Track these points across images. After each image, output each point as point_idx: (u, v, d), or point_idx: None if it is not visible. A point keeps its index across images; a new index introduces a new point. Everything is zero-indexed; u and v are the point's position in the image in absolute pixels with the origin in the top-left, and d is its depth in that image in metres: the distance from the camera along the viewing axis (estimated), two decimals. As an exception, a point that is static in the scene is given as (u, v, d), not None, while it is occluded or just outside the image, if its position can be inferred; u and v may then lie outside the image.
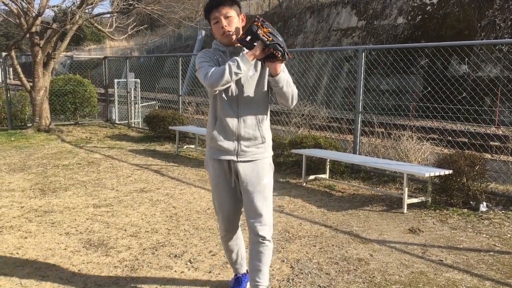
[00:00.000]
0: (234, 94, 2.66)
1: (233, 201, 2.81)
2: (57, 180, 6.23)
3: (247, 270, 3.05)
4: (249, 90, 2.67)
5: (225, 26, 2.59)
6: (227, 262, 3.56)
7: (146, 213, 4.82)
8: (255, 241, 2.73)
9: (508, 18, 14.63)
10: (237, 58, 2.51)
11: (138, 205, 5.11)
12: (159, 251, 3.81)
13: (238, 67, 2.49)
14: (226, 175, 2.77)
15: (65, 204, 5.13)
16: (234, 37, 2.62)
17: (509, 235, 4.29)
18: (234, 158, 2.70)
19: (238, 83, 2.65)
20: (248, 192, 2.71)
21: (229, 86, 2.62)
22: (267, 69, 2.63)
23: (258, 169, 2.73)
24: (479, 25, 15.19)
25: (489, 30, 14.92)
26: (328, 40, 21.10)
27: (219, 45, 2.70)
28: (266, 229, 2.71)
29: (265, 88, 2.72)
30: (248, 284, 2.96)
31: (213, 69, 2.54)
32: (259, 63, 2.66)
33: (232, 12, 2.60)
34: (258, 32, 2.47)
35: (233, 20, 2.61)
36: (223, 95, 2.65)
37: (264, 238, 2.71)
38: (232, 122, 2.66)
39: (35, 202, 5.17)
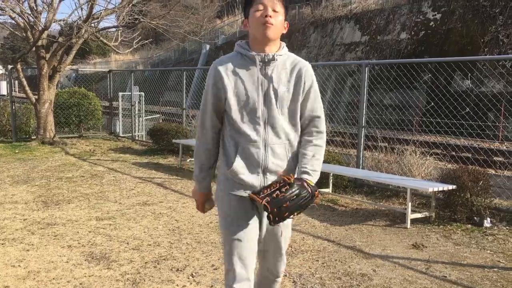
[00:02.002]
0: (257, 115, 2.19)
1: (252, 241, 2.26)
2: (60, 192, 6.24)
3: None
4: (278, 113, 2.21)
5: (270, 15, 2.15)
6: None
7: (149, 226, 4.82)
8: (270, 279, 2.47)
9: (511, 34, 14.69)
10: (195, 177, 2.33)
11: (140, 218, 5.11)
12: (161, 264, 3.80)
13: (195, 173, 2.34)
14: (247, 212, 2.25)
15: (68, 216, 5.13)
16: (273, 34, 2.18)
17: (513, 251, 4.25)
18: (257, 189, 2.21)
19: (265, 100, 2.19)
20: (273, 230, 2.33)
21: (253, 104, 2.18)
22: (299, 88, 2.24)
23: None
24: (482, 40, 15.25)
25: (492, 46, 14.97)
26: (331, 54, 21.21)
27: (247, 48, 2.22)
28: (283, 267, 2.46)
29: (298, 112, 2.27)
30: None
31: (199, 144, 2.30)
32: (297, 82, 2.24)
33: (280, 9, 2.19)
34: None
35: (279, 17, 2.18)
36: (247, 118, 2.20)
37: (279, 276, 2.48)
38: (257, 151, 2.20)
39: (38, 215, 5.18)
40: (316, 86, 2.30)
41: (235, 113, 2.20)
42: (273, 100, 2.19)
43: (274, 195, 2.09)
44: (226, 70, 2.20)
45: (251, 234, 2.25)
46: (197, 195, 2.39)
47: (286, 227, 2.37)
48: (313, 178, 2.20)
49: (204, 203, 2.40)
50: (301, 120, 2.29)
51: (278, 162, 2.22)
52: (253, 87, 2.18)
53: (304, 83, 2.24)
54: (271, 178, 2.21)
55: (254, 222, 2.26)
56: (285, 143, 2.24)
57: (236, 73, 2.20)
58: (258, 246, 2.30)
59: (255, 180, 2.20)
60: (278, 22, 2.17)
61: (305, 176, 2.18)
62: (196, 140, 2.34)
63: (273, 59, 2.19)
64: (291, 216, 2.13)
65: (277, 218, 2.10)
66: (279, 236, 2.34)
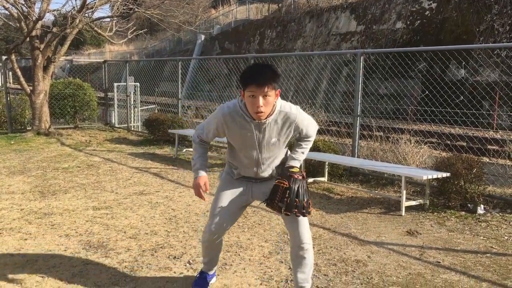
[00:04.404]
0: (254, 157, 2.78)
1: (230, 209, 2.88)
2: (57, 182, 6.25)
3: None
4: (270, 153, 2.78)
5: (261, 106, 2.53)
6: (225, 263, 3.59)
7: (146, 216, 4.85)
8: (297, 247, 2.80)
9: (507, 23, 14.71)
10: (195, 165, 2.88)
11: (137, 208, 5.14)
12: (158, 252, 3.84)
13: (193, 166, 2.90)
14: (241, 187, 2.90)
15: (65, 206, 5.15)
16: (264, 116, 2.60)
17: (506, 237, 4.32)
18: (252, 181, 2.90)
19: (260, 149, 2.74)
20: None
21: (250, 152, 2.75)
22: (289, 136, 2.77)
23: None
24: (477, 29, 15.26)
25: (488, 35, 14.99)
26: (327, 44, 21.18)
27: (246, 114, 2.64)
28: (306, 235, 2.79)
29: (285, 146, 2.85)
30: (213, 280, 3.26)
31: (197, 148, 2.91)
32: (288, 133, 2.74)
33: (271, 92, 2.54)
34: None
35: (270, 100, 2.56)
36: (243, 155, 2.79)
37: (304, 242, 2.79)
38: (251, 174, 2.86)
39: (34, 205, 5.19)
40: (306, 121, 2.77)
41: (235, 148, 2.83)
42: (265, 147, 2.74)
43: (285, 201, 2.67)
44: (227, 122, 2.70)
45: (231, 204, 2.88)
46: (198, 179, 2.86)
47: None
48: (298, 163, 2.83)
49: (203, 186, 2.84)
50: (297, 138, 2.88)
51: (269, 173, 2.86)
52: (250, 140, 2.71)
53: (295, 131, 2.76)
54: (263, 174, 2.84)
55: (237, 198, 2.89)
56: (273, 169, 2.86)
57: (236, 125, 2.68)
58: (237, 216, 2.97)
59: (251, 174, 2.87)
60: (269, 104, 2.57)
61: (292, 163, 2.81)
62: (196, 137, 2.89)
63: (264, 123, 2.65)
64: (308, 202, 2.72)
65: (303, 210, 2.69)
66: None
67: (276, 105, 2.65)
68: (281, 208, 2.68)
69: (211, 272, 3.21)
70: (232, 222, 2.93)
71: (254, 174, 2.85)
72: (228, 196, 2.88)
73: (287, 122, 2.70)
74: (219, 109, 2.72)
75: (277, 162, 2.85)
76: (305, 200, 2.70)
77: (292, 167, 2.78)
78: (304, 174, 2.81)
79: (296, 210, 2.68)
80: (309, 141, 2.88)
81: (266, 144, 2.73)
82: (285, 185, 2.68)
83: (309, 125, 2.80)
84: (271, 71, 2.55)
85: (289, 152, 2.94)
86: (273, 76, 2.54)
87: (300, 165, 2.87)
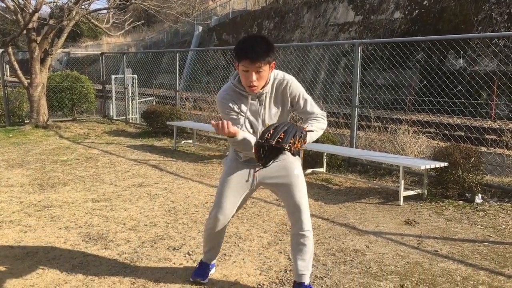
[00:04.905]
0: (256, 130, 2.73)
1: (234, 193, 2.86)
2: (56, 175, 6.26)
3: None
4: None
5: (254, 80, 2.54)
6: (225, 254, 3.61)
7: (145, 207, 4.86)
8: (297, 233, 2.82)
9: (505, 12, 14.67)
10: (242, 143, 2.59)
11: (136, 200, 5.15)
12: (158, 244, 3.86)
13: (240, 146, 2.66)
14: (245, 173, 2.85)
15: (64, 199, 5.16)
16: (258, 89, 2.61)
17: (503, 226, 4.34)
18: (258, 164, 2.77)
19: (263, 122, 2.72)
20: (283, 185, 2.82)
21: (253, 122, 2.72)
22: (289, 104, 2.74)
23: (285, 163, 2.83)
24: (476, 19, 15.22)
25: (486, 24, 14.95)
26: (325, 35, 21.12)
27: (241, 89, 2.67)
28: (306, 222, 2.81)
29: (287, 119, 2.81)
30: (213, 271, 3.27)
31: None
32: (284, 100, 2.71)
33: (265, 66, 2.54)
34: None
35: (264, 75, 2.56)
36: (247, 129, 2.73)
37: (305, 230, 2.81)
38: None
39: (34, 197, 5.21)
40: (303, 92, 2.75)
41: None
42: (268, 119, 2.74)
43: (274, 135, 2.43)
44: (231, 101, 2.68)
45: (236, 191, 2.86)
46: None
47: (297, 178, 2.82)
48: (310, 127, 2.65)
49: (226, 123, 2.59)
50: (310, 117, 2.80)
51: None
52: (252, 113, 2.71)
53: (290, 95, 2.73)
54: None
55: (242, 185, 2.86)
56: None
57: (236, 103, 2.68)
58: (242, 203, 2.94)
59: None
60: (262, 78, 2.57)
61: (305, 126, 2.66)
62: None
63: (261, 93, 2.66)
64: (299, 142, 2.48)
65: (291, 150, 2.44)
66: (293, 190, 2.80)
67: (270, 76, 2.67)
68: (268, 141, 2.40)
69: (211, 263, 3.23)
70: (237, 208, 2.93)
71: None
72: (233, 182, 2.86)
73: (281, 87, 2.71)
74: (217, 100, 2.74)
75: None
76: (294, 136, 2.44)
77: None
78: (305, 128, 2.61)
79: (280, 140, 2.41)
80: (315, 119, 2.76)
81: (268, 115, 2.73)
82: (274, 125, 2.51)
83: (310, 101, 2.77)
84: (266, 45, 2.52)
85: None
86: (267, 50, 2.51)
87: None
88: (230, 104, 2.68)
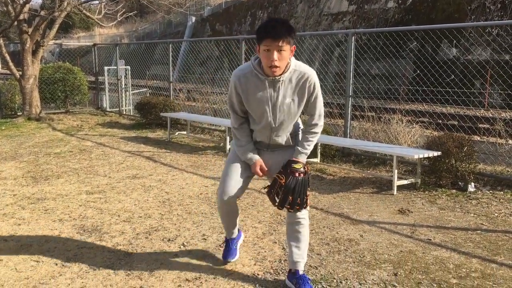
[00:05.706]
0: (268, 121, 2.76)
1: (238, 175, 2.90)
2: (49, 168, 6.23)
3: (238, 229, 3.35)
4: (283, 117, 2.76)
5: (276, 60, 2.53)
6: (220, 245, 3.62)
7: (139, 199, 4.86)
8: (292, 221, 2.88)
9: (498, 1, 14.67)
10: (244, 155, 2.87)
11: (130, 191, 5.14)
12: (152, 235, 3.86)
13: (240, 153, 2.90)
14: (242, 162, 2.93)
15: (58, 191, 5.15)
16: (279, 71, 2.60)
17: (496, 214, 4.38)
18: (264, 149, 2.92)
19: (273, 111, 2.73)
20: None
21: (264, 113, 2.74)
22: (305, 99, 2.75)
23: (287, 156, 2.88)
24: (469, 8, 15.22)
25: (479, 13, 14.95)
26: (319, 25, 21.05)
27: (259, 72, 2.66)
28: (302, 209, 2.84)
29: (299, 113, 2.83)
30: (240, 241, 3.37)
31: (236, 134, 2.90)
32: (303, 93, 2.72)
33: (286, 46, 2.54)
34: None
35: (285, 55, 2.56)
36: (258, 117, 2.78)
37: (300, 217, 2.86)
38: (264, 139, 2.87)
39: (27, 190, 5.19)
40: (318, 91, 2.77)
41: (250, 111, 2.81)
42: (280, 108, 2.73)
43: (280, 197, 2.77)
44: (242, 84, 2.72)
45: (240, 171, 2.91)
46: (253, 166, 2.88)
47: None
48: (304, 157, 2.85)
49: (260, 166, 2.88)
50: (309, 117, 2.85)
51: (281, 142, 2.87)
52: (263, 100, 2.71)
53: (308, 92, 2.73)
54: (276, 146, 2.89)
55: (247, 166, 2.92)
56: (287, 136, 2.86)
57: (251, 85, 2.70)
58: (246, 184, 2.97)
59: (263, 145, 2.93)
60: (284, 59, 2.57)
61: (298, 157, 2.83)
62: (232, 123, 2.92)
63: (278, 80, 2.65)
64: (304, 199, 2.80)
65: (296, 207, 2.78)
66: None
67: (290, 63, 2.65)
68: (275, 202, 2.80)
69: (234, 236, 3.28)
70: (241, 188, 2.93)
71: (267, 139, 2.85)
72: (238, 164, 2.91)
73: (301, 80, 2.69)
74: (232, 74, 2.75)
75: (291, 128, 2.84)
76: (300, 197, 2.77)
77: (296, 162, 2.82)
78: (308, 168, 2.86)
79: (288, 206, 2.77)
80: (315, 133, 2.87)
81: (281, 104, 2.71)
82: (282, 182, 2.75)
83: (321, 99, 2.81)
84: (287, 26, 2.55)
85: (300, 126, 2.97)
86: (288, 30, 2.54)
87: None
88: (241, 87, 2.72)
